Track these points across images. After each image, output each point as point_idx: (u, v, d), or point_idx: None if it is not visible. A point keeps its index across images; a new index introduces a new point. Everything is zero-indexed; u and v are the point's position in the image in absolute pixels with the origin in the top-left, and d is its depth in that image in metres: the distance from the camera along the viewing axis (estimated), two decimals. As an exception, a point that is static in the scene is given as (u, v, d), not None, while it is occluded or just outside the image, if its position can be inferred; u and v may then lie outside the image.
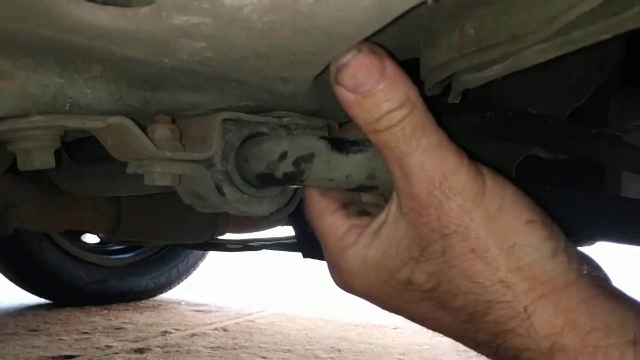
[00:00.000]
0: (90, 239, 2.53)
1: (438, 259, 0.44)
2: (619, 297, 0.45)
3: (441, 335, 0.50)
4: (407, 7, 0.36)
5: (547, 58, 0.42)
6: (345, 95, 0.43)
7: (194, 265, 2.78)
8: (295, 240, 1.58)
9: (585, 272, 0.46)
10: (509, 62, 0.45)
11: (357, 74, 0.41)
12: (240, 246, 1.83)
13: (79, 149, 0.92)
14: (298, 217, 1.29)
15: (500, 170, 0.47)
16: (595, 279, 0.46)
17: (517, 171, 0.94)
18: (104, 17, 0.39)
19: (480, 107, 0.80)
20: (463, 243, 0.43)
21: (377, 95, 0.42)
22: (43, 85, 0.49)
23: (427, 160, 0.43)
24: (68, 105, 0.50)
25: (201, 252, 2.65)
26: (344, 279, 0.50)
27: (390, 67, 0.42)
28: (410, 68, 0.64)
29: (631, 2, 0.34)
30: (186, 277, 2.78)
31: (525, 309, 0.43)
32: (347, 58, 0.41)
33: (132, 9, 0.39)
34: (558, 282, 0.43)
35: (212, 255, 2.76)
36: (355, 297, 0.53)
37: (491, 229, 0.43)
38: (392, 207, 0.47)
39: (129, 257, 2.61)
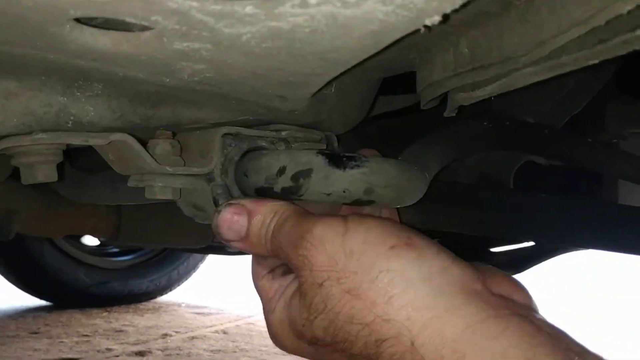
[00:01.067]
0: (91, 241, 2.54)
1: (324, 311, 0.45)
2: (514, 318, 0.42)
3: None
4: (400, 35, 0.37)
5: (537, 80, 0.44)
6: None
7: (194, 268, 2.79)
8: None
9: (479, 290, 0.44)
10: (501, 82, 0.46)
11: (228, 232, 0.53)
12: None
13: (80, 157, 0.93)
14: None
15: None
16: (497, 298, 0.44)
17: (515, 177, 0.95)
18: (107, 41, 0.41)
19: (477, 117, 0.81)
20: (337, 287, 0.44)
21: (250, 238, 0.52)
22: (46, 104, 0.50)
23: (291, 233, 0.48)
24: (70, 122, 0.51)
25: (201, 254, 2.66)
26: (274, 339, 0.54)
27: (250, 205, 0.53)
28: (407, 80, 0.65)
29: (617, 31, 0.36)
30: (186, 279, 2.79)
31: (412, 343, 0.41)
32: (214, 222, 0.53)
33: (134, 34, 0.40)
34: (437, 307, 0.42)
35: (211, 257, 2.77)
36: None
37: (358, 266, 0.44)
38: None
39: (129, 259, 2.62)
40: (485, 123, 0.81)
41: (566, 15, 0.37)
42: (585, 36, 0.37)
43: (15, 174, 0.83)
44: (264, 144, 0.62)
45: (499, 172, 0.96)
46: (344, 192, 0.54)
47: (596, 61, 0.39)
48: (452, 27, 0.48)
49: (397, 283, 0.43)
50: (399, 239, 0.45)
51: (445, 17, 0.33)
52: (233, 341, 2.07)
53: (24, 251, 2.34)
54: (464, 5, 0.32)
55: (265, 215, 0.52)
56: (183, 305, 2.76)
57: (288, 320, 0.50)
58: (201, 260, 2.78)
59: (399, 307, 0.42)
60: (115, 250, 2.60)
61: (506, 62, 0.44)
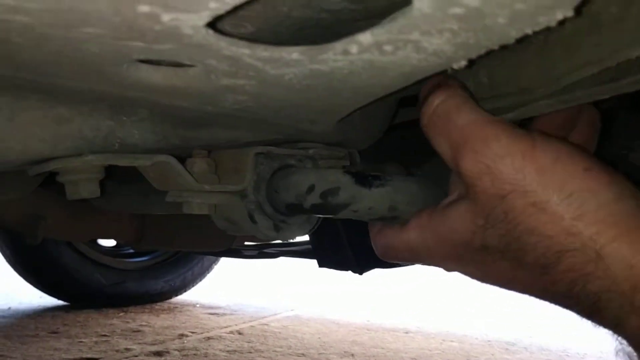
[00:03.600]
0: (107, 242, 2.59)
1: (503, 221, 0.45)
2: None
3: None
4: (428, 74, 0.40)
5: (552, 110, 0.47)
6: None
7: (208, 268, 2.83)
8: (310, 247, 1.63)
9: None
10: (519, 111, 0.49)
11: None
12: (256, 253, 1.88)
13: (110, 168, 0.97)
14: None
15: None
16: None
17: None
18: (159, 76, 0.44)
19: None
20: (522, 200, 0.44)
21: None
22: (96, 128, 0.54)
23: (468, 135, 0.46)
24: (117, 145, 0.55)
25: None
26: (412, 253, 0.55)
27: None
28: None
29: (627, 71, 0.39)
30: (201, 280, 2.84)
31: (597, 253, 0.42)
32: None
33: (183, 69, 0.44)
34: (629, 223, 0.42)
35: (225, 259, 2.81)
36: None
37: (548, 181, 0.44)
38: (452, 192, 0.52)
39: (145, 260, 2.66)
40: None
41: (579, 56, 0.41)
42: (599, 74, 0.41)
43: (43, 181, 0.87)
44: (292, 162, 0.66)
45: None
46: (369, 209, 0.58)
47: (607, 96, 0.42)
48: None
49: (589, 203, 0.43)
50: (591, 162, 0.45)
51: (471, 62, 0.37)
52: (248, 342, 2.11)
53: (41, 252, 2.38)
54: (488, 52, 0.36)
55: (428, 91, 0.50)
56: (198, 305, 2.80)
57: (447, 230, 0.50)
58: (215, 261, 2.82)
59: (589, 223, 0.42)
60: (131, 251, 2.65)
61: (523, 93, 0.48)
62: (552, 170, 0.44)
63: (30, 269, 2.48)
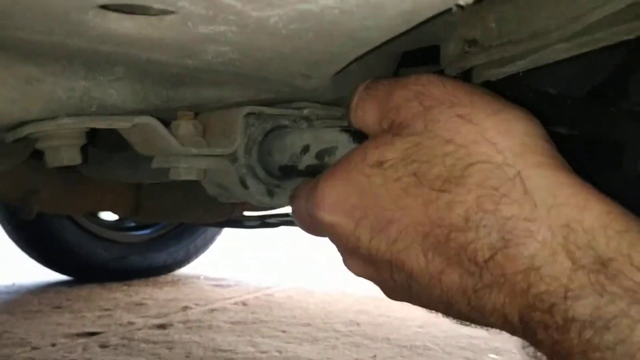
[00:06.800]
0: (108, 216, 2.56)
1: (419, 133, 0.41)
2: None
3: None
4: (431, 14, 0.36)
5: (569, 55, 0.43)
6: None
7: (211, 240, 2.81)
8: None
9: None
10: (531, 58, 0.45)
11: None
12: (258, 223, 1.84)
13: (100, 135, 0.93)
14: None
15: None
16: None
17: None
18: (130, 26, 0.40)
19: (500, 89, 0.80)
20: (448, 111, 0.40)
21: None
22: (70, 88, 0.50)
23: (398, 80, 0.44)
24: (94, 106, 0.51)
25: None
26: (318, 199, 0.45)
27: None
28: (430, 55, 0.64)
29: (657, 5, 0.34)
30: (203, 252, 2.82)
31: (519, 173, 0.37)
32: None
33: (157, 17, 0.39)
34: (556, 159, 0.38)
35: (227, 230, 2.78)
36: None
37: (477, 99, 0.40)
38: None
39: (147, 233, 2.64)
40: (507, 94, 0.80)
41: (602, -11, 0.36)
42: (624, 11, 0.36)
43: (34, 153, 0.83)
44: (286, 122, 0.61)
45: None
46: (369, 170, 0.53)
47: (632, 36, 0.38)
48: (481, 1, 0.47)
49: (520, 127, 0.39)
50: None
51: (480, -3, 0.33)
52: (253, 313, 2.09)
53: (43, 227, 2.36)
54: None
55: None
56: (201, 277, 2.78)
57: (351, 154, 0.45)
58: (218, 232, 2.79)
59: (516, 143, 0.38)
60: (134, 224, 2.62)
61: (537, 37, 0.43)
62: (481, 94, 0.41)
63: (33, 244, 2.46)
